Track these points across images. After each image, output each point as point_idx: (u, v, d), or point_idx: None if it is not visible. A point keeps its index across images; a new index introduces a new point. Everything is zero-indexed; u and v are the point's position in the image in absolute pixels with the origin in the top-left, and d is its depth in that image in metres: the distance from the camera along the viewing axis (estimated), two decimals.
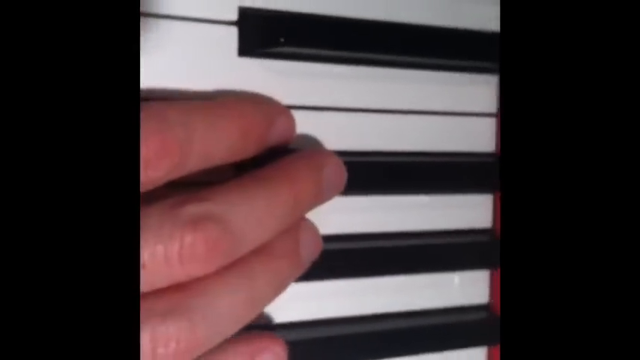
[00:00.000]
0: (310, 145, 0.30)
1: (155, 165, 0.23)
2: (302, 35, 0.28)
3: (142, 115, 0.23)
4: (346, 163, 0.28)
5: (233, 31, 0.28)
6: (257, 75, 0.29)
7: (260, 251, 0.26)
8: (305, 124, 0.30)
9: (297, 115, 0.29)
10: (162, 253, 0.23)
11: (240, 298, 0.25)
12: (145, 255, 0.23)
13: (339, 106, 0.31)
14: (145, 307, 0.23)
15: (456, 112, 0.33)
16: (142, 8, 0.26)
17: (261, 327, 0.30)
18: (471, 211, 0.34)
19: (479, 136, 0.34)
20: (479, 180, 0.33)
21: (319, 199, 0.28)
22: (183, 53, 0.27)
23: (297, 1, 0.29)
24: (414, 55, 0.31)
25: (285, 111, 0.28)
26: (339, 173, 0.28)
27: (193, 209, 0.24)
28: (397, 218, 0.32)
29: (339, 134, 0.31)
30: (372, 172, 0.31)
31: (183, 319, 0.23)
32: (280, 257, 0.27)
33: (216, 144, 0.25)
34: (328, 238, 0.30)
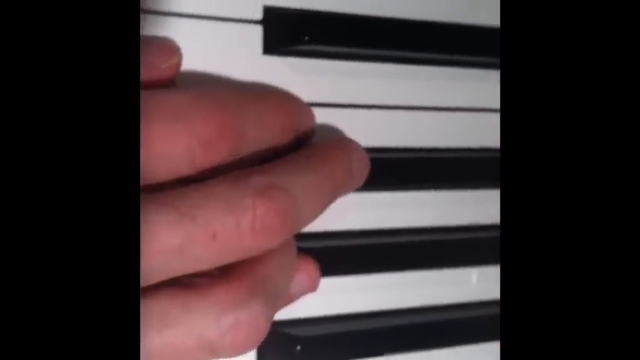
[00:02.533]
0: None
1: (216, 145, 0.23)
2: (326, 33, 0.28)
3: (199, 95, 0.23)
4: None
5: (258, 30, 0.28)
6: (281, 73, 0.29)
7: None
8: (329, 121, 0.30)
9: (321, 112, 0.29)
10: (234, 224, 0.23)
11: (292, 267, 0.27)
12: (218, 224, 0.23)
13: (364, 103, 0.31)
14: (221, 297, 0.24)
15: (477, 108, 0.33)
16: (167, 7, 0.26)
17: (277, 323, 0.30)
18: (487, 207, 0.34)
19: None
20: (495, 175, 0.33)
21: (350, 184, 0.28)
22: (208, 52, 0.27)
23: None
24: (435, 52, 0.31)
25: (309, 110, 0.29)
26: (364, 162, 0.29)
27: (261, 180, 0.24)
28: (411, 214, 0.32)
29: (363, 131, 0.31)
30: (389, 169, 0.31)
31: (261, 305, 0.24)
32: None
33: (262, 132, 0.25)
34: (342, 235, 0.30)
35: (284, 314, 0.30)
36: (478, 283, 0.34)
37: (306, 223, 0.26)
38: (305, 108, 0.28)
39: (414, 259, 0.32)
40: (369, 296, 0.32)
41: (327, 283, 0.31)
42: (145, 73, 0.25)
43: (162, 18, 0.26)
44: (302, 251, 0.29)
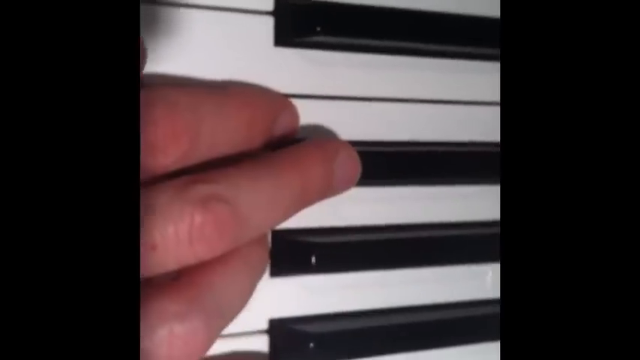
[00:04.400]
0: (344, 134, 0.30)
1: (164, 150, 0.23)
2: (337, 24, 0.28)
3: (151, 98, 0.23)
4: (373, 153, 0.28)
5: (269, 21, 0.28)
6: (293, 65, 0.29)
7: None
8: (341, 114, 0.30)
9: (332, 104, 0.29)
10: (173, 233, 0.23)
11: (246, 285, 0.26)
12: (156, 235, 0.23)
13: (376, 95, 0.30)
14: (162, 305, 0.23)
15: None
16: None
17: (290, 320, 0.30)
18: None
19: None
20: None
21: (329, 190, 0.27)
22: (220, 43, 0.27)
23: None
24: (449, 44, 0.30)
25: (290, 105, 0.28)
26: (352, 165, 0.28)
27: (203, 190, 0.23)
28: (415, 209, 0.32)
29: (376, 124, 0.30)
30: (405, 162, 0.31)
31: (200, 319, 0.23)
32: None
33: (222, 133, 0.25)
34: (344, 230, 0.30)
35: (294, 311, 0.30)
36: (484, 281, 0.34)
37: (259, 231, 0.26)
38: (283, 104, 0.28)
39: (429, 256, 0.32)
40: (383, 293, 0.32)
41: (341, 279, 0.30)
42: None
43: (173, 9, 0.26)
44: (309, 246, 0.29)
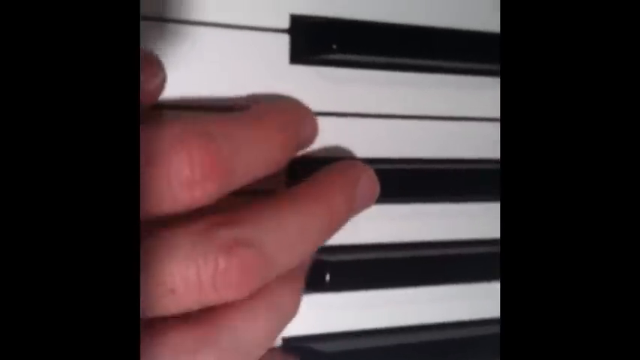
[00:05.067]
0: (360, 152, 0.30)
1: (203, 185, 0.22)
2: (353, 42, 0.28)
3: (183, 130, 0.22)
4: (389, 171, 0.28)
5: (285, 39, 0.28)
6: (309, 82, 0.28)
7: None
8: (357, 131, 0.30)
9: (348, 122, 0.29)
10: (195, 278, 0.22)
11: (272, 326, 0.25)
12: (177, 279, 0.22)
13: (393, 113, 0.30)
14: (173, 341, 0.23)
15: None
16: (195, 17, 0.26)
17: (302, 338, 0.29)
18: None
19: None
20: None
21: (352, 214, 0.27)
22: (236, 61, 0.27)
23: (348, 7, 0.29)
24: (469, 61, 0.30)
25: (310, 113, 0.28)
26: (372, 187, 0.27)
27: (227, 234, 0.23)
28: (428, 226, 0.32)
29: (392, 141, 0.30)
30: (421, 180, 0.31)
31: (208, 356, 0.23)
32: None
33: (257, 160, 0.24)
34: (357, 248, 0.30)
35: (308, 329, 0.29)
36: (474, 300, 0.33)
37: (288, 267, 0.25)
38: (306, 114, 0.27)
39: (442, 274, 0.32)
40: (397, 311, 0.31)
41: (355, 298, 0.30)
42: None
43: (190, 27, 0.26)
44: (324, 264, 0.28)
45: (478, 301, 0.33)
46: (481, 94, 0.32)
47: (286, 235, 0.24)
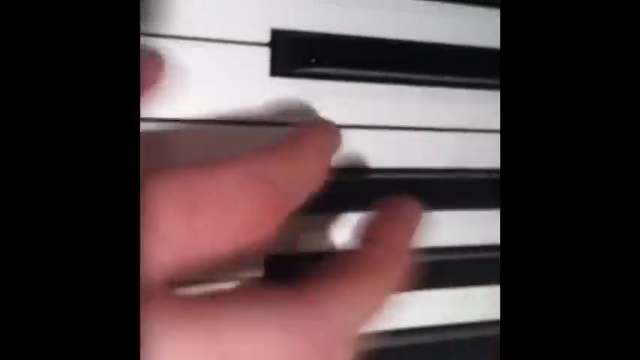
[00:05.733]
0: (340, 162, 0.30)
1: (262, 224, 0.23)
2: (333, 56, 0.29)
3: (245, 172, 0.23)
4: (374, 180, 0.28)
5: (265, 52, 0.28)
6: (289, 95, 0.29)
7: None
8: None
9: None
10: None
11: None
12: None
13: (372, 124, 0.31)
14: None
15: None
16: (177, 31, 0.27)
17: None
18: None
19: None
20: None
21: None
22: (217, 74, 0.28)
23: (328, 22, 0.29)
24: (443, 74, 0.31)
25: (338, 132, 0.28)
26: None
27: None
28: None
29: (371, 152, 0.31)
30: (396, 189, 0.31)
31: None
32: None
33: (306, 189, 0.25)
34: None
35: None
36: (480, 304, 0.34)
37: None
38: (337, 135, 0.28)
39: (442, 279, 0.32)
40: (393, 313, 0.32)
41: None
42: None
43: (171, 41, 0.27)
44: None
45: (478, 302, 0.34)
46: (458, 106, 0.33)
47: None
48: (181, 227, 0.21)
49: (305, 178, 0.25)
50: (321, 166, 0.25)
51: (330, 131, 0.27)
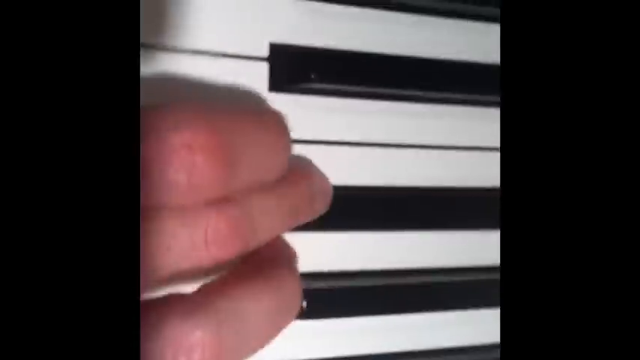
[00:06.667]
0: (338, 179, 0.30)
1: (206, 176, 0.23)
2: (332, 71, 0.28)
3: (190, 117, 0.23)
4: (368, 198, 0.28)
5: (264, 67, 0.28)
6: (288, 110, 0.29)
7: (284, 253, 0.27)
8: (336, 159, 0.30)
9: (327, 150, 0.29)
10: (188, 235, 0.23)
11: (265, 306, 0.25)
12: (169, 237, 0.23)
13: (372, 141, 0.31)
14: (165, 309, 0.23)
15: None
16: (174, 43, 0.26)
17: None
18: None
19: None
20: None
21: (310, 211, 0.28)
22: (215, 88, 0.27)
23: (328, 37, 0.29)
24: (444, 90, 0.31)
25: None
26: (327, 191, 0.29)
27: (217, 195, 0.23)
28: (410, 254, 0.32)
29: (370, 169, 0.31)
30: (397, 208, 0.31)
31: (209, 323, 0.23)
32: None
33: (262, 160, 0.25)
34: (337, 275, 0.30)
35: (282, 356, 0.29)
36: (475, 325, 0.34)
37: (264, 240, 0.26)
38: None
39: (417, 302, 0.32)
40: (366, 339, 0.31)
41: (323, 325, 0.30)
42: None
43: (169, 55, 0.26)
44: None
45: (477, 327, 0.33)
46: (461, 123, 0.32)
47: (264, 203, 0.25)
48: None
49: (259, 149, 0.25)
50: (279, 148, 0.26)
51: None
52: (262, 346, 0.25)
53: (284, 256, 0.28)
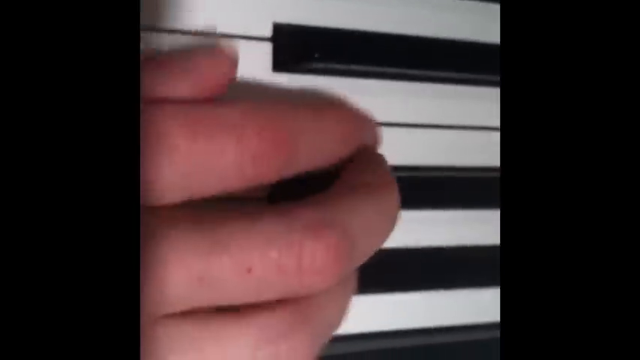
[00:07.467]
0: None
1: (267, 159, 0.22)
2: (336, 50, 0.28)
3: (251, 108, 0.23)
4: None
5: (267, 47, 0.28)
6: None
7: None
8: None
9: None
10: (276, 260, 0.21)
11: (347, 303, 0.24)
12: (255, 258, 0.21)
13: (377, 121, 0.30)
14: (263, 323, 0.22)
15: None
16: (177, 25, 0.26)
17: None
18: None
19: None
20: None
21: None
22: None
23: (332, 16, 0.29)
24: (447, 69, 0.30)
25: (374, 125, 0.27)
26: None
27: (311, 214, 0.22)
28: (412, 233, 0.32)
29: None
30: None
31: (304, 340, 0.22)
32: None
33: (320, 146, 0.24)
34: None
35: None
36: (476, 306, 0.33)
37: (367, 254, 0.24)
38: (369, 122, 0.27)
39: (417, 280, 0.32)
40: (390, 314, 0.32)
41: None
42: (190, 87, 0.23)
43: (170, 35, 0.27)
44: None
45: (478, 304, 0.33)
46: (465, 102, 0.32)
47: (366, 217, 0.23)
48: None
49: (318, 136, 0.24)
50: (337, 137, 0.25)
51: (356, 116, 0.26)
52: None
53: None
